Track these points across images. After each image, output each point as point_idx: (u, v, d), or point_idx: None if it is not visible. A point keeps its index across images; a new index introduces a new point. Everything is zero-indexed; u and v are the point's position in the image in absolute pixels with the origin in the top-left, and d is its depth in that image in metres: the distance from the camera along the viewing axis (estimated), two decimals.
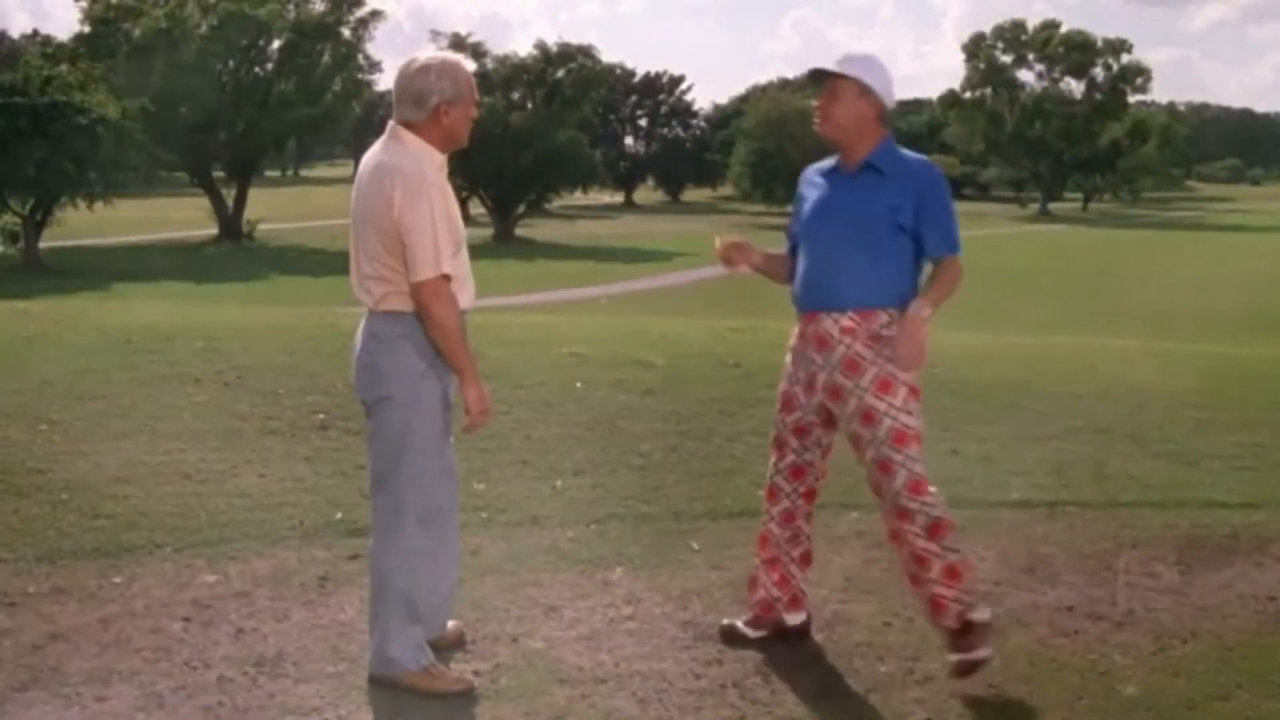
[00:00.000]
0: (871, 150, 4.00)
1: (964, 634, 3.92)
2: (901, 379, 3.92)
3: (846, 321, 3.93)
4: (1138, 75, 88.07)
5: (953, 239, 3.99)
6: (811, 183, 4.17)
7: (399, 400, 3.67)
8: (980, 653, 3.89)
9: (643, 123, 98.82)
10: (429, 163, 3.65)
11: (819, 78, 4.03)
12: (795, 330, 4.13)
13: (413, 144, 3.66)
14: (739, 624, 4.21)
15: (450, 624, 4.10)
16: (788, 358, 4.16)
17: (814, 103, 4.10)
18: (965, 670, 3.87)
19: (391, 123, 3.72)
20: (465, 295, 3.74)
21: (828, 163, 4.14)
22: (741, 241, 4.28)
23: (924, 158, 4.08)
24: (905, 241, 3.96)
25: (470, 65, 3.79)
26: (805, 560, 4.23)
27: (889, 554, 4.94)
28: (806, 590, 4.26)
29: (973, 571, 4.06)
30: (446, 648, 3.97)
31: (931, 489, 3.96)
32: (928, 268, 4.04)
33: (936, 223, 3.97)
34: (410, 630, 3.75)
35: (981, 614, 3.95)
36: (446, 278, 3.60)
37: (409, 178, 3.59)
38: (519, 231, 54.27)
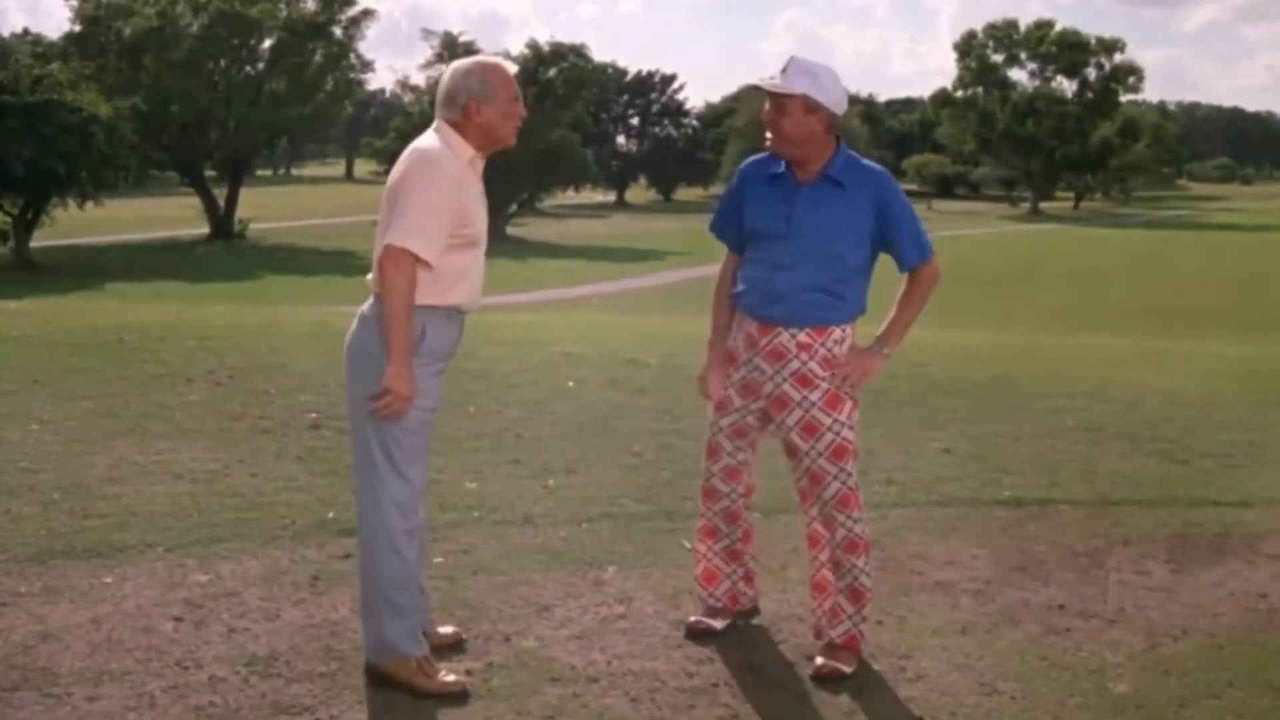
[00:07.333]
0: (828, 161, 3.91)
1: (841, 648, 4.00)
2: (851, 394, 3.94)
3: (804, 338, 3.91)
4: (1130, 74, 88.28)
5: (925, 243, 3.96)
6: (759, 185, 4.02)
7: (369, 380, 3.65)
8: (845, 667, 3.94)
9: (634, 122, 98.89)
10: (455, 152, 3.68)
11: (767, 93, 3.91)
12: (739, 333, 4.06)
13: (447, 134, 3.71)
14: (704, 618, 4.24)
15: (448, 629, 4.10)
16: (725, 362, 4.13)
17: (763, 117, 3.98)
18: (827, 676, 3.90)
19: (436, 119, 3.76)
20: (458, 293, 3.72)
21: (774, 164, 4.00)
22: (714, 380, 4.14)
23: (880, 167, 4.01)
24: (867, 256, 3.94)
25: (510, 67, 3.78)
26: (746, 539, 4.27)
27: (879, 553, 4.96)
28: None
29: (871, 605, 4.08)
30: (441, 647, 3.96)
31: (860, 505, 4.00)
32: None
33: (907, 232, 3.93)
34: (403, 618, 3.75)
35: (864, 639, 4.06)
36: (414, 256, 3.55)
37: (424, 153, 3.65)
38: (510, 230, 54.21)
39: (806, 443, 3.94)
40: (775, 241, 3.94)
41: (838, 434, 3.93)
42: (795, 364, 3.92)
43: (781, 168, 3.99)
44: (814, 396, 3.91)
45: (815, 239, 3.89)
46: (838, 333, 3.93)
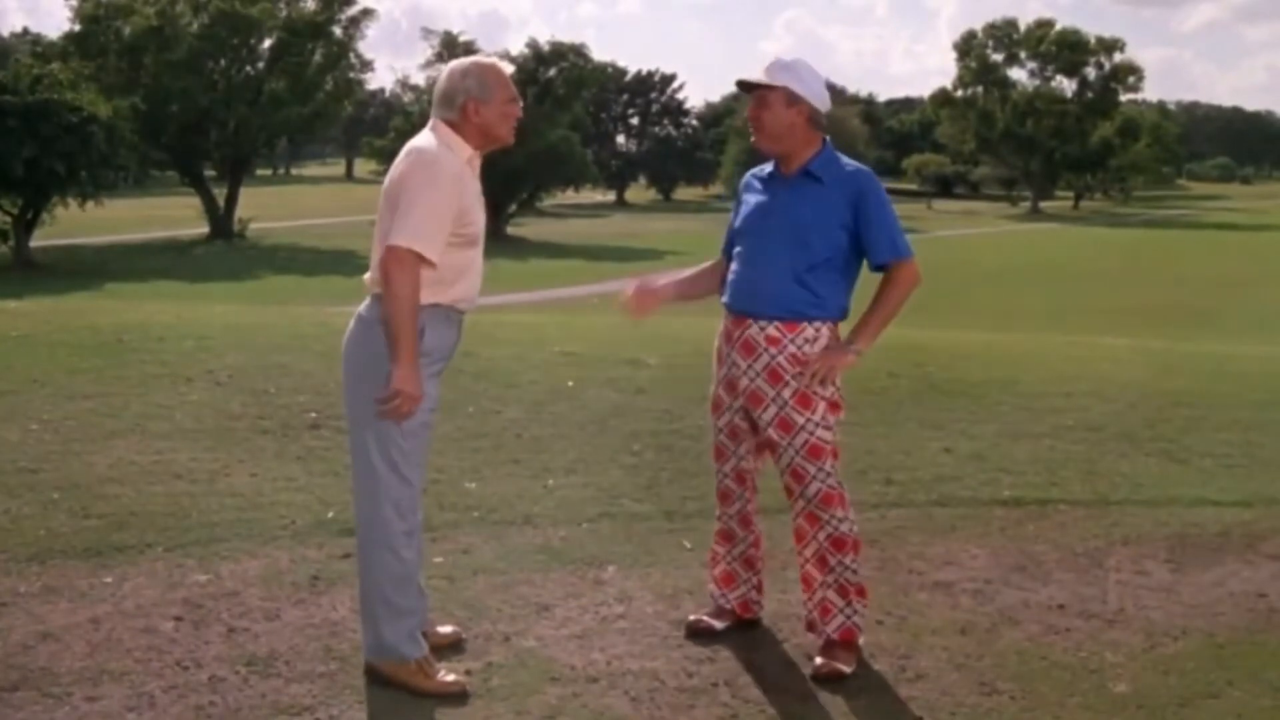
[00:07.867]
0: (810, 158, 3.97)
1: (839, 645, 3.99)
2: (821, 394, 3.94)
3: (773, 330, 3.92)
4: (1129, 74, 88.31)
5: (900, 244, 3.95)
6: (751, 187, 4.14)
7: (368, 381, 3.64)
8: (845, 667, 3.93)
9: (634, 121, 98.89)
10: (454, 150, 3.69)
11: (747, 89, 3.99)
12: (720, 330, 4.13)
13: (444, 133, 3.72)
14: (705, 617, 4.25)
15: (448, 629, 4.10)
16: (713, 361, 4.17)
17: (746, 114, 4.07)
18: (826, 677, 3.90)
19: (432, 119, 3.76)
20: (457, 290, 3.73)
21: (768, 167, 4.12)
22: (645, 289, 4.24)
23: (862, 165, 4.04)
24: (843, 253, 3.93)
25: (507, 67, 3.81)
26: (757, 545, 4.28)
27: (879, 552, 4.97)
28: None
29: (865, 599, 4.08)
30: (441, 647, 3.96)
31: (845, 504, 4.00)
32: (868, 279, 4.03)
33: (879, 229, 3.92)
34: (402, 619, 3.75)
35: (860, 635, 4.04)
36: (418, 256, 3.55)
37: (424, 153, 3.65)
38: (510, 230, 54.24)
39: (784, 439, 3.95)
40: (753, 236, 4.02)
41: (812, 434, 3.93)
42: (765, 358, 3.94)
43: (772, 168, 4.08)
44: (786, 394, 3.92)
45: (786, 229, 3.93)
46: (809, 330, 3.93)
